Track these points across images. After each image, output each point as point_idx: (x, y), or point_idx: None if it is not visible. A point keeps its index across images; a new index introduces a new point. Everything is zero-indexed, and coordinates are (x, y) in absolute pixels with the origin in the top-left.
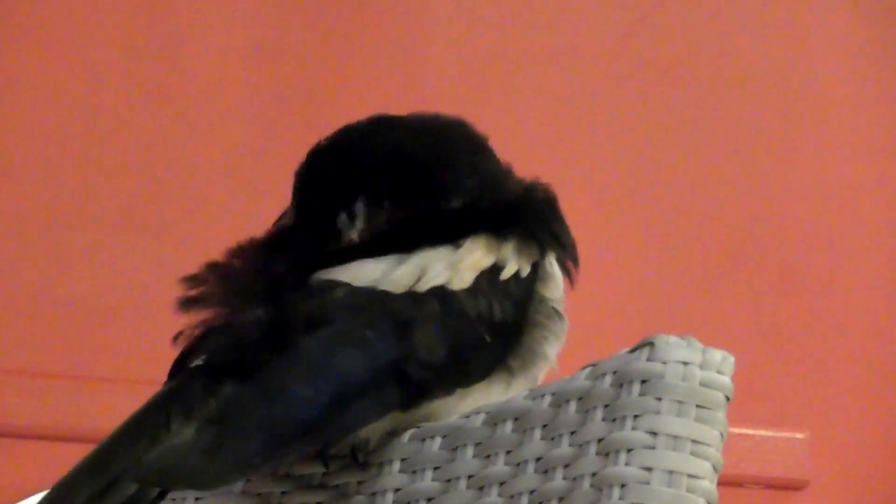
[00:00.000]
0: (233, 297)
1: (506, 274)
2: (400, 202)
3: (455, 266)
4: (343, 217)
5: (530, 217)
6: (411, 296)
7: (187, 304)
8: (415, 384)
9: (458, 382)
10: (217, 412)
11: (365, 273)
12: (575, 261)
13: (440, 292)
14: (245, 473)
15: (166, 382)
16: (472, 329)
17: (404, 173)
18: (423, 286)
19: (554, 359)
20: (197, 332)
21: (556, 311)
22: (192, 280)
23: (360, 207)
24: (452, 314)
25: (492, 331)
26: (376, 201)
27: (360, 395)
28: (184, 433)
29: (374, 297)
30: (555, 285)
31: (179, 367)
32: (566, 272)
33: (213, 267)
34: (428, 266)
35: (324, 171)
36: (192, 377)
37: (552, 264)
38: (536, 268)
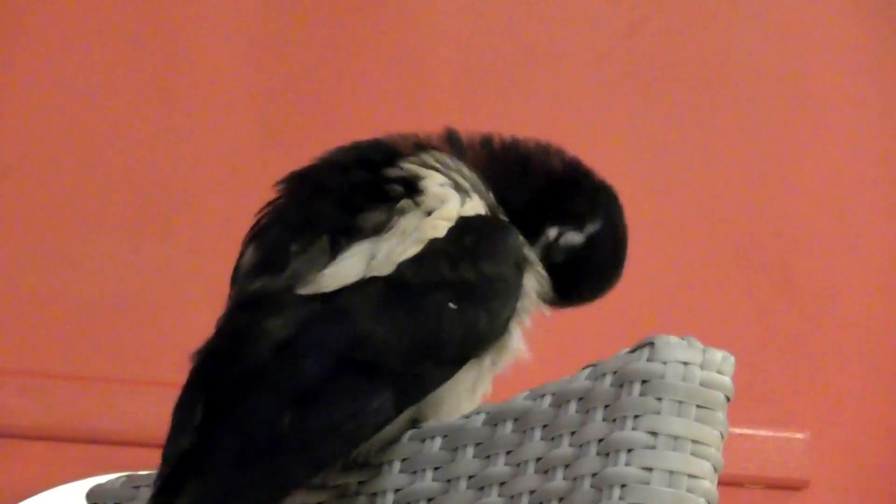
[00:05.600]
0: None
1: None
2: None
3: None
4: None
5: None
6: (352, 285)
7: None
8: (380, 370)
9: (434, 356)
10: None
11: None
12: None
13: (386, 274)
14: None
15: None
16: (422, 298)
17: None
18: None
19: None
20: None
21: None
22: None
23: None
24: (393, 287)
25: (456, 296)
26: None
27: (318, 395)
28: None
29: (319, 301)
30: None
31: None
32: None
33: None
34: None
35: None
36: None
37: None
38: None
